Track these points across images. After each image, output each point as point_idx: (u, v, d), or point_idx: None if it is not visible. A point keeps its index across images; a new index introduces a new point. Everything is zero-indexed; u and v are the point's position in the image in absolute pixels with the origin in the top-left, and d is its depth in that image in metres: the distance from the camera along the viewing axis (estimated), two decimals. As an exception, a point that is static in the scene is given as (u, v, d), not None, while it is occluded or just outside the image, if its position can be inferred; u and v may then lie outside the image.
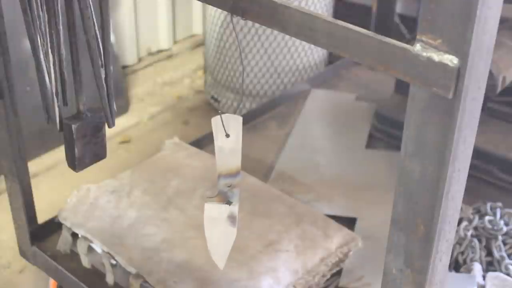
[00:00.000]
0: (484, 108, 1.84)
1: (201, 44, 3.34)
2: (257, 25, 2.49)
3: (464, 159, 0.79)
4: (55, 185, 2.40)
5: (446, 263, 0.88)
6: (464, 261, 1.53)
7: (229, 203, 1.03)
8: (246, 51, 2.57)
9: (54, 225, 1.62)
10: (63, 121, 1.16)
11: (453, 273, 1.47)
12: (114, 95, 1.13)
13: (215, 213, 1.04)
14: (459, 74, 0.71)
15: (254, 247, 1.48)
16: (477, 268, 1.46)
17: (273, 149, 1.99)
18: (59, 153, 2.39)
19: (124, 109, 2.87)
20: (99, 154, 1.20)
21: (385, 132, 2.01)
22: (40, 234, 1.62)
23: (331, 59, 2.75)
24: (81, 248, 1.54)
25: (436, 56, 0.72)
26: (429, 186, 0.79)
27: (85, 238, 1.53)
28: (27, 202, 1.56)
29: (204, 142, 1.93)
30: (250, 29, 2.53)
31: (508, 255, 1.53)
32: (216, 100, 2.81)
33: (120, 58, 3.04)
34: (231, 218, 1.05)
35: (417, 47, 0.73)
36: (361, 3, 2.79)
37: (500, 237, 1.54)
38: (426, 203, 0.81)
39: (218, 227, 1.05)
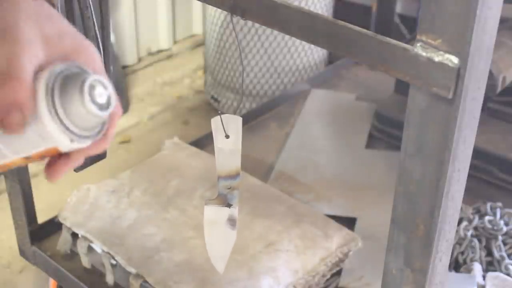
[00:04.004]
0: (484, 108, 1.84)
1: (201, 44, 3.34)
2: (257, 25, 2.49)
3: (464, 159, 0.79)
4: (55, 185, 2.40)
5: (446, 263, 0.88)
6: (464, 261, 1.53)
7: (228, 205, 1.03)
8: (246, 51, 2.57)
9: (54, 225, 1.62)
10: (63, 121, 1.16)
11: (453, 273, 1.47)
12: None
13: (214, 216, 1.04)
14: (459, 74, 0.71)
15: (254, 247, 1.48)
16: (477, 268, 1.46)
17: (273, 149, 1.99)
18: (59, 153, 2.39)
19: (124, 109, 2.87)
20: (99, 154, 1.20)
21: (385, 132, 2.01)
22: (40, 234, 1.62)
23: (331, 59, 2.75)
24: (81, 248, 1.54)
25: (436, 56, 0.72)
26: (429, 186, 0.79)
27: (85, 238, 1.52)
28: (27, 202, 1.55)
29: (204, 142, 1.93)
30: (250, 29, 2.53)
31: (508, 255, 1.53)
32: (216, 100, 2.81)
33: (120, 58, 3.04)
34: (231, 221, 1.04)
35: (417, 47, 0.73)
36: (361, 3, 2.79)
37: (500, 237, 1.54)
38: (426, 203, 0.81)
39: (218, 230, 1.05)
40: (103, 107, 0.67)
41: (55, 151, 0.70)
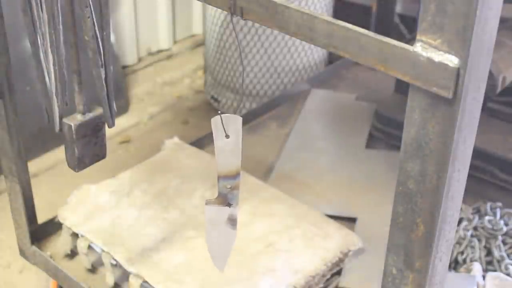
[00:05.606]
0: (484, 108, 1.84)
1: (201, 44, 3.33)
2: (257, 25, 2.49)
3: (464, 159, 0.79)
4: (55, 185, 2.40)
5: (446, 263, 0.88)
6: (464, 261, 1.53)
7: (229, 205, 1.03)
8: (246, 51, 2.57)
9: (54, 225, 1.62)
10: (63, 121, 1.16)
11: (453, 273, 1.47)
12: (114, 95, 1.13)
13: (215, 215, 1.04)
14: (459, 74, 0.71)
15: (254, 247, 1.48)
16: (477, 268, 1.46)
17: (273, 149, 1.99)
18: (59, 153, 2.39)
19: (124, 109, 2.87)
20: (99, 154, 1.21)
21: (385, 132, 2.01)
22: (40, 234, 1.62)
23: (331, 59, 2.74)
24: (81, 248, 1.54)
25: (436, 56, 0.72)
26: (429, 186, 0.79)
27: (85, 238, 1.53)
28: (27, 202, 1.56)
29: (204, 142, 1.93)
30: (250, 29, 2.53)
31: (508, 255, 1.53)
32: (216, 100, 2.81)
33: (120, 58, 3.04)
34: (231, 221, 1.04)
35: (417, 47, 0.73)
36: (361, 3, 2.79)
37: (500, 237, 1.54)
38: (426, 203, 0.81)
39: (218, 229, 1.05)
40: None
41: None
